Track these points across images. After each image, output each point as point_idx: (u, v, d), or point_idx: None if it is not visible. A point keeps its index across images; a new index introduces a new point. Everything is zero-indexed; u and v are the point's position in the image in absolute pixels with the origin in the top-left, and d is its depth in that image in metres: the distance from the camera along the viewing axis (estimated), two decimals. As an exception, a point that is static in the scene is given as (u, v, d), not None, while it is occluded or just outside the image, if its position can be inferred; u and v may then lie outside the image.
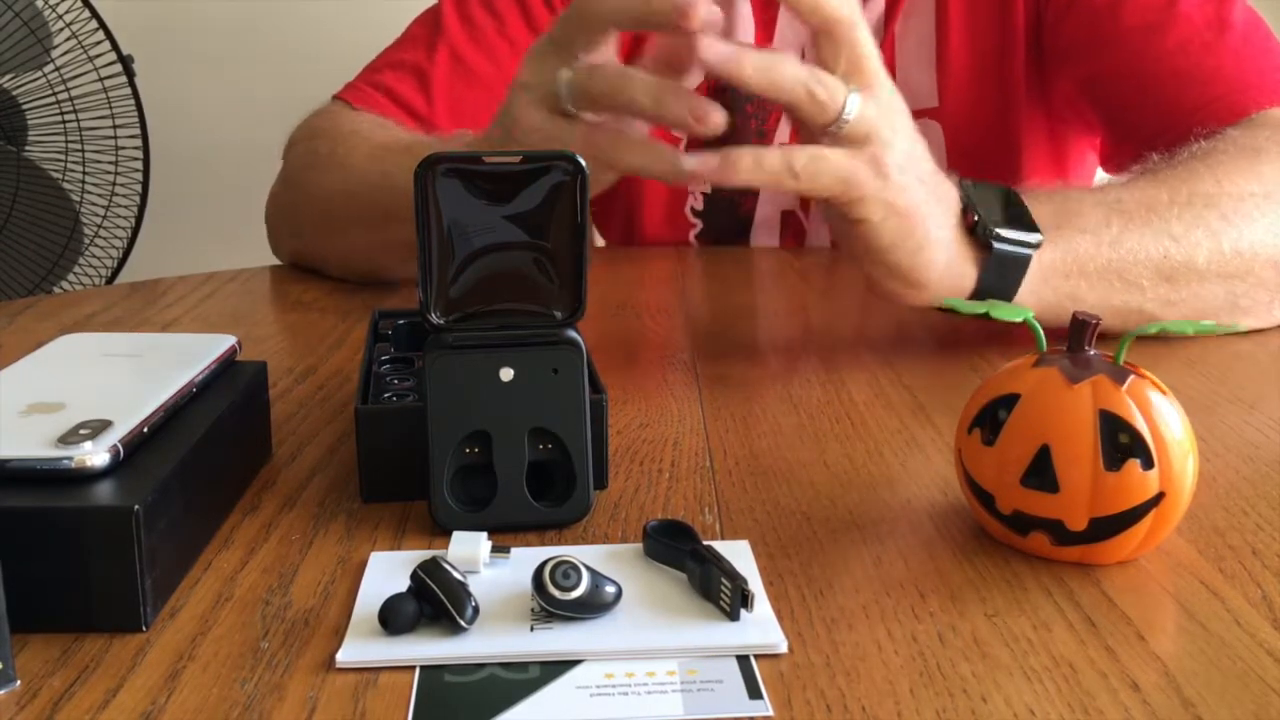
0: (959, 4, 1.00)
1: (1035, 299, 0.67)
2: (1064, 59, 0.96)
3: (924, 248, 0.64)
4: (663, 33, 0.60)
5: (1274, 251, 0.72)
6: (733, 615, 0.40)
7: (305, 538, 0.48)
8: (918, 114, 1.00)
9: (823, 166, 0.60)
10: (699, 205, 1.09)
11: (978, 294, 0.67)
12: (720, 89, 1.04)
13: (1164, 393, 0.45)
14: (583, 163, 0.45)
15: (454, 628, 0.39)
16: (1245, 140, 0.77)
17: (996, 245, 0.65)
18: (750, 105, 1.04)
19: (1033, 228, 0.66)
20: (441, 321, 0.47)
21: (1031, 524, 0.44)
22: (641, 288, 0.91)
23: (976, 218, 0.66)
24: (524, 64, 0.64)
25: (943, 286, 0.66)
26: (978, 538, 0.47)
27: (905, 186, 0.62)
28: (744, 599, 0.40)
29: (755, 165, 0.59)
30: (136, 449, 0.44)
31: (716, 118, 0.58)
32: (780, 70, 0.59)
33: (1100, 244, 0.68)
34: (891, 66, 1.00)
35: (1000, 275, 0.65)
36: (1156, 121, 0.88)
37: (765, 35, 1.04)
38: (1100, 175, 1.08)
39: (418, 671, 0.38)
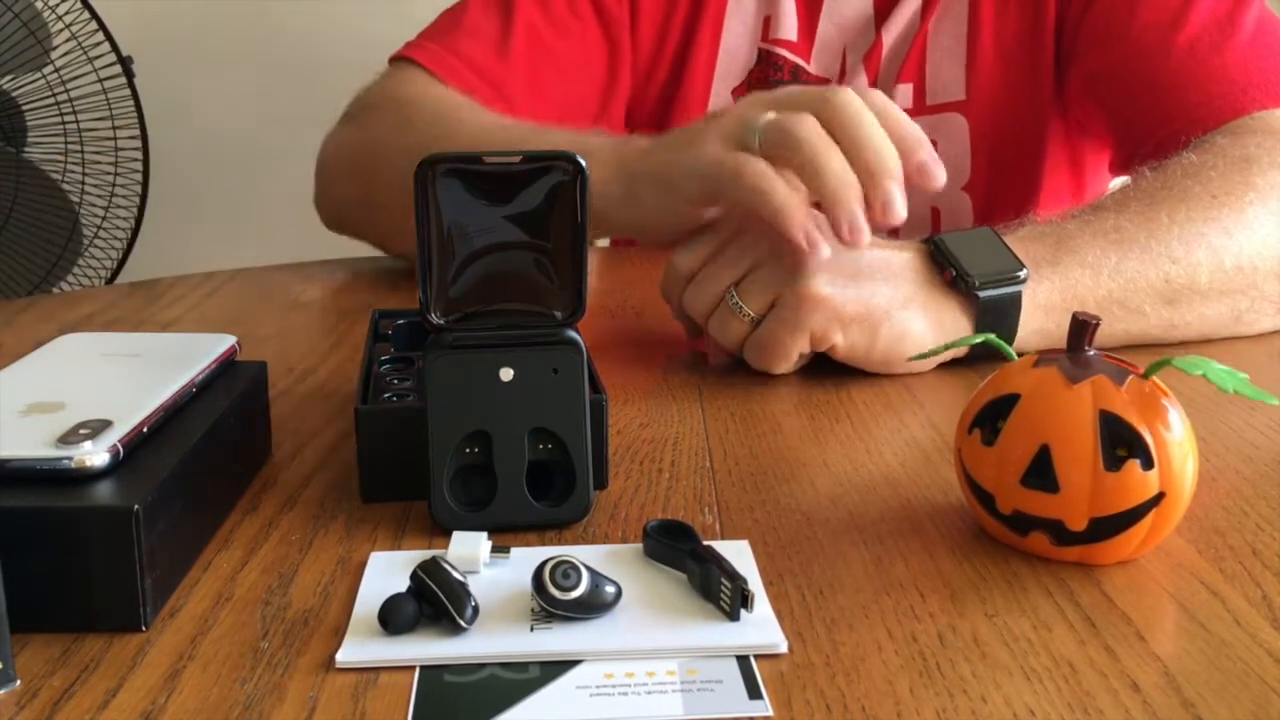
0: (991, 3, 1.00)
1: (1039, 335, 0.68)
2: (1076, 54, 0.97)
3: (901, 333, 0.65)
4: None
5: (1275, 264, 0.73)
6: (733, 615, 0.40)
7: (305, 538, 0.48)
8: (945, 108, 1.03)
9: (780, 347, 0.65)
10: None
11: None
12: (769, 66, 1.04)
13: (1164, 393, 0.44)
14: (583, 163, 0.45)
15: (454, 628, 0.39)
16: (1235, 150, 0.77)
17: (982, 294, 0.65)
18: None
19: (1015, 262, 0.67)
20: (441, 321, 0.47)
21: (1031, 524, 0.44)
22: (641, 288, 0.91)
23: (954, 273, 0.66)
24: (732, 106, 0.67)
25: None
26: (978, 538, 0.47)
27: (842, 299, 0.63)
28: (744, 599, 0.40)
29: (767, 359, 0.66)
30: (136, 449, 0.44)
31: (860, 238, 0.60)
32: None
33: (1100, 276, 0.69)
34: (922, 62, 1.02)
35: (997, 317, 0.66)
36: (1156, 118, 0.88)
37: (807, 29, 1.05)
38: (1114, 182, 1.08)
39: (418, 671, 0.38)
